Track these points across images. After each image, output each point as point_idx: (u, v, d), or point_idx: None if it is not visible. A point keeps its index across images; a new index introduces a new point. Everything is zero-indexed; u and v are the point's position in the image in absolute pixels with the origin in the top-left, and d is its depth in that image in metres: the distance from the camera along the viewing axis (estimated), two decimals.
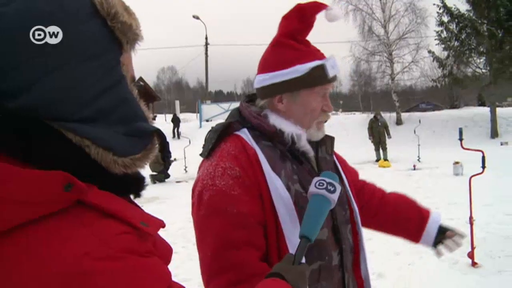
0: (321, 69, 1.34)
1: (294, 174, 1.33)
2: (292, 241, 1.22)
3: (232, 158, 1.28)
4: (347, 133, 22.11)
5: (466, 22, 20.80)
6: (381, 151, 15.63)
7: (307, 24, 1.37)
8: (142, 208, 0.76)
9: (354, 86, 38.92)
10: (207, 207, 1.25)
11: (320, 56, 1.37)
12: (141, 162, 0.76)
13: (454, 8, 21.29)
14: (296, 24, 1.35)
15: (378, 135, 15.63)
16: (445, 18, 21.72)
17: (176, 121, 27.09)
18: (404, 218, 1.69)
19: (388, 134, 15.80)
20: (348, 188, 1.50)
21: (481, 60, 21.72)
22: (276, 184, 1.27)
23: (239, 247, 1.21)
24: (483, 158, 4.71)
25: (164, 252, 0.78)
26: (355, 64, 27.17)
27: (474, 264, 4.58)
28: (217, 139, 1.35)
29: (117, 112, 0.73)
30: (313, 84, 1.34)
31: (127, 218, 0.67)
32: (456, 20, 21.29)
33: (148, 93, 51.40)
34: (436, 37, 22.09)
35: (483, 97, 27.94)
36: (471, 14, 21.04)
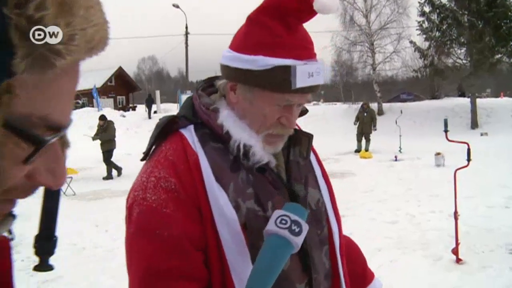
0: (285, 72, 1.01)
1: (249, 186, 1.06)
2: (239, 274, 0.98)
3: (168, 166, 1.03)
4: (328, 124, 21.98)
5: (448, 12, 20.81)
6: (363, 142, 15.56)
7: (309, 5, 0.99)
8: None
9: (335, 76, 38.85)
10: (135, 226, 1.02)
11: (301, 54, 1.03)
12: None
13: None
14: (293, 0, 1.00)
15: (362, 126, 15.54)
16: (427, 9, 21.73)
17: (149, 102, 27.91)
18: (349, 267, 1.35)
19: (375, 126, 15.73)
20: (328, 200, 1.23)
21: (462, 50, 21.83)
22: (219, 201, 1.01)
23: (170, 278, 0.97)
24: (469, 150, 4.54)
25: None
26: (336, 54, 27.07)
27: (458, 260, 4.42)
28: (157, 137, 1.09)
29: None
30: (268, 88, 1.03)
31: None
32: (437, 10, 21.29)
33: (128, 83, 50.86)
34: (418, 28, 22.11)
35: (463, 87, 28.09)
36: (452, 5, 21.08)
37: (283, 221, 0.91)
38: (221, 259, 1.00)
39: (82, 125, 23.39)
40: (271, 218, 0.92)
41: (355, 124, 15.97)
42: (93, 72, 52.54)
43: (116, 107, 40.47)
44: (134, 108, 39.89)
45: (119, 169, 11.98)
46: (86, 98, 42.32)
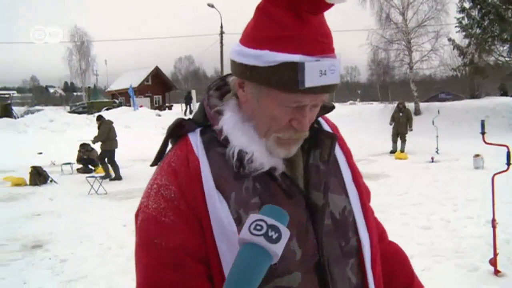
0: (293, 69, 0.88)
1: (254, 196, 0.96)
2: None
3: (169, 173, 0.98)
4: (364, 123, 21.54)
5: (490, 8, 19.95)
6: (399, 142, 15.16)
7: None
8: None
9: (372, 76, 38.17)
10: (137, 234, 0.99)
11: (312, 49, 0.89)
12: None
13: None
14: None
15: (398, 126, 15.16)
16: (467, 4, 20.95)
17: (188, 99, 28.75)
18: (394, 279, 1.24)
19: (411, 126, 15.32)
20: (359, 207, 1.09)
21: (505, 48, 20.95)
22: (218, 212, 0.93)
23: None
24: (508, 154, 4.25)
25: None
26: (372, 53, 26.49)
27: (496, 272, 4.14)
28: (165, 142, 1.05)
29: None
30: (274, 87, 0.92)
31: None
32: (478, 6, 20.47)
33: (164, 83, 51.59)
34: (457, 25, 21.36)
35: (506, 86, 27.00)
36: (495, 0, 20.21)
37: (258, 227, 0.77)
38: (221, 273, 0.92)
39: (118, 124, 23.92)
40: (245, 224, 0.79)
41: (390, 124, 15.59)
42: (130, 71, 53.65)
43: (152, 107, 41.10)
44: (170, 108, 40.46)
45: (116, 172, 11.64)
46: (123, 98, 43.21)
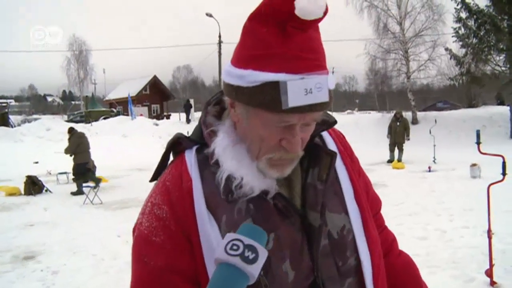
0: (275, 89, 0.85)
1: (247, 217, 0.94)
2: None
3: (163, 192, 0.98)
4: (361, 132, 21.56)
5: (486, 18, 20.06)
6: (396, 151, 15.16)
7: (317, 6, 0.83)
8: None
9: (370, 85, 38.27)
10: (132, 248, 1.00)
11: (296, 67, 0.85)
12: None
13: (473, 4, 20.60)
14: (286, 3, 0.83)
15: (395, 135, 15.16)
16: (463, 14, 21.04)
17: (187, 107, 28.96)
18: None
19: (408, 135, 15.32)
20: (360, 225, 1.05)
21: (501, 57, 21.00)
22: (208, 234, 0.91)
23: None
24: (504, 164, 4.22)
25: None
26: (370, 62, 26.60)
27: (492, 283, 4.08)
28: (163, 159, 1.05)
29: None
30: (259, 106, 0.88)
31: None
32: (474, 16, 20.57)
33: (162, 92, 51.65)
34: (454, 34, 21.42)
35: (503, 96, 27.03)
36: (491, 10, 20.33)
37: (235, 247, 0.75)
38: None
39: (115, 133, 23.87)
40: (222, 243, 0.76)
41: (387, 137, 15.56)
42: (128, 81, 53.77)
43: (150, 116, 41.08)
44: (168, 117, 40.41)
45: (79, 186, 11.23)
46: (121, 107, 43.23)
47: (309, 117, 0.90)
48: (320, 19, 0.87)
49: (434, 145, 14.34)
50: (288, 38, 0.85)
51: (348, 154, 1.15)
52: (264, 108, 0.87)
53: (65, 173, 13.11)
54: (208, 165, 0.98)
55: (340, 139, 1.17)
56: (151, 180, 1.06)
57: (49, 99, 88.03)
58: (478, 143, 4.44)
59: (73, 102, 67.93)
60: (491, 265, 4.12)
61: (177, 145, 1.03)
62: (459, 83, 25.14)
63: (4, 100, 47.23)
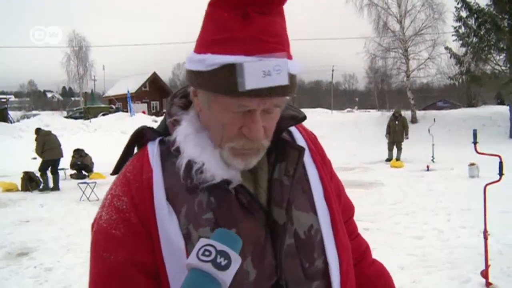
0: (232, 71, 0.82)
1: (207, 211, 0.90)
2: None
3: (123, 183, 0.95)
4: (360, 131, 21.53)
5: (486, 17, 20.02)
6: (395, 150, 15.14)
7: None
8: None
9: (370, 83, 38.24)
10: (91, 245, 0.96)
11: (254, 49, 0.82)
12: None
13: (474, 2, 20.56)
14: None
15: (394, 134, 15.14)
16: (464, 13, 21.01)
17: None
18: None
19: (407, 134, 15.31)
20: (328, 226, 1.00)
21: (501, 57, 20.99)
22: (167, 227, 0.88)
23: None
24: (501, 164, 4.18)
25: None
26: (369, 61, 26.56)
27: (488, 284, 4.05)
28: (125, 151, 1.02)
29: None
30: (217, 91, 0.85)
31: None
32: (475, 15, 20.53)
33: (162, 89, 51.54)
34: (454, 33, 21.41)
35: (503, 95, 26.98)
36: (491, 9, 20.30)
37: (207, 252, 0.72)
38: None
39: (114, 130, 23.83)
40: (194, 249, 0.74)
41: (386, 136, 15.53)
42: (128, 77, 53.67)
43: (149, 113, 41.05)
44: None
45: (55, 182, 11.36)
46: (121, 103, 43.18)
47: (269, 102, 0.86)
48: (281, 2, 0.86)
49: (433, 144, 14.30)
50: (249, 21, 0.83)
51: (319, 154, 1.11)
52: (222, 91, 0.84)
53: (62, 169, 13.07)
54: (170, 155, 0.94)
55: (311, 138, 1.13)
56: (112, 173, 1.02)
57: (49, 95, 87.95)
58: (475, 142, 4.40)
59: (72, 99, 67.86)
60: (487, 266, 4.08)
61: (141, 137, 1.00)
62: (459, 82, 25.12)
63: (4, 96, 47.17)
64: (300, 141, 1.07)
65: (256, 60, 0.81)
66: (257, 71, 0.81)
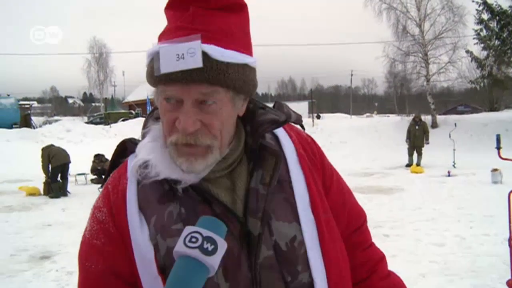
0: (154, 60, 0.85)
1: (177, 222, 0.89)
2: None
3: (104, 195, 0.98)
4: (379, 136, 21.32)
5: (509, 19, 19.67)
6: (415, 155, 14.95)
7: None
8: None
9: (389, 88, 37.86)
10: (78, 255, 0.99)
11: (173, 36, 0.84)
12: None
13: (496, 4, 20.21)
14: None
15: (414, 139, 14.96)
16: (485, 16, 20.67)
17: None
18: None
19: (427, 139, 15.12)
20: (315, 238, 0.95)
21: None
22: (138, 238, 0.90)
23: None
24: None
25: None
26: (389, 65, 26.29)
27: None
28: (112, 164, 1.06)
29: None
30: (147, 79, 0.90)
31: None
32: (497, 17, 20.18)
33: None
34: (475, 36, 21.09)
35: None
36: None
37: (193, 239, 0.74)
38: None
39: (134, 135, 24.02)
40: (181, 236, 0.75)
41: (406, 141, 15.36)
42: (148, 83, 54.14)
43: None
44: None
45: (64, 188, 11.35)
46: (140, 109, 43.61)
47: (197, 92, 0.83)
48: None
49: (454, 149, 14.08)
50: (185, 14, 0.86)
51: (313, 159, 1.05)
52: (148, 79, 0.88)
53: (83, 174, 13.26)
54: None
55: (304, 142, 1.06)
56: (101, 187, 1.06)
57: (70, 101, 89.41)
58: (499, 148, 4.32)
59: (93, 104, 68.84)
60: None
61: (124, 149, 1.04)
62: (480, 86, 24.76)
63: (27, 102, 48.08)
64: (287, 146, 1.01)
65: (160, 48, 0.82)
66: (171, 55, 0.81)
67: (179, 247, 0.74)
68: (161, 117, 0.91)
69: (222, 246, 0.75)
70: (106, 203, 0.95)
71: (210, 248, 0.73)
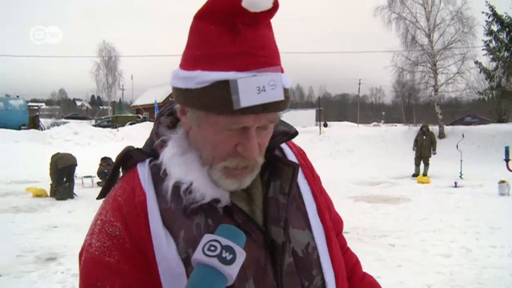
0: (225, 88, 0.79)
1: (206, 233, 0.88)
2: None
3: (114, 208, 0.90)
4: (386, 145, 21.26)
5: None
6: (422, 166, 14.90)
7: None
8: None
9: (397, 97, 37.73)
10: (81, 274, 0.90)
11: (247, 64, 0.80)
12: None
13: (505, 16, 20.18)
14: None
15: (421, 149, 14.91)
16: (495, 27, 20.65)
17: None
18: None
19: (434, 149, 15.06)
20: (324, 243, 0.99)
21: None
22: (165, 252, 0.85)
23: None
24: None
25: None
26: (397, 75, 26.24)
27: None
28: (113, 174, 0.99)
29: None
30: (209, 109, 0.82)
31: None
32: (507, 29, 20.16)
33: None
34: (484, 47, 21.04)
35: None
36: None
37: (212, 248, 0.74)
38: None
39: (141, 139, 24.15)
40: (199, 244, 0.76)
41: (413, 149, 15.32)
42: (156, 87, 54.42)
43: None
44: None
45: (70, 189, 11.40)
46: (148, 113, 43.81)
47: (265, 119, 0.84)
48: (270, 13, 0.82)
49: (461, 160, 14.02)
50: (238, 35, 0.81)
51: (309, 170, 1.10)
52: (215, 110, 0.81)
53: (90, 176, 13.32)
54: (162, 178, 0.91)
55: (301, 153, 1.12)
56: (98, 198, 0.99)
57: (78, 103, 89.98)
58: (507, 160, 4.31)
59: (101, 107, 69.23)
60: None
61: (127, 159, 0.97)
62: (488, 97, 24.58)
63: (36, 104, 48.40)
64: (291, 157, 1.06)
65: (250, 76, 0.79)
66: (251, 88, 0.79)
67: (198, 255, 0.74)
68: (209, 141, 0.87)
69: (241, 255, 0.75)
70: (118, 217, 0.89)
71: (228, 258, 0.74)
